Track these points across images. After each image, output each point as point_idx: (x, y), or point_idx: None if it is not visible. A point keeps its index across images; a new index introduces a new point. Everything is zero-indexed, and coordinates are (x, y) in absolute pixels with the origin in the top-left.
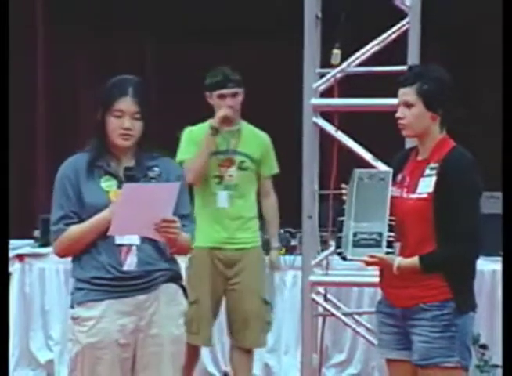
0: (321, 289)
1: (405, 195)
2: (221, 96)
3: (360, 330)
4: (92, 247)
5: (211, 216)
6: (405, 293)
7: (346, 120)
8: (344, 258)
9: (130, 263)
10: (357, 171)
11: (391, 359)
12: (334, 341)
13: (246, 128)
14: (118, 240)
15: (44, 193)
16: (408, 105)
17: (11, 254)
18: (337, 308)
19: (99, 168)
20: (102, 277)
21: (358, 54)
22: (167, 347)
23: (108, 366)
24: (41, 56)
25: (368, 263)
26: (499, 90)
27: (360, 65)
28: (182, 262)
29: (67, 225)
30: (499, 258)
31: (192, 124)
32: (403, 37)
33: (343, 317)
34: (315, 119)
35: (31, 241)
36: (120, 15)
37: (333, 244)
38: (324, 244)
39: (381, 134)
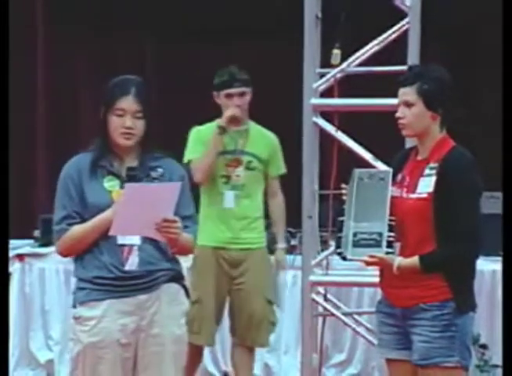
0: (321, 289)
1: (404, 195)
2: (229, 96)
3: (360, 330)
4: (95, 246)
5: (217, 216)
6: (405, 293)
7: (346, 120)
8: (344, 258)
9: (132, 263)
10: (357, 171)
11: (391, 359)
12: (334, 341)
13: (254, 128)
14: (120, 240)
15: (44, 193)
16: (408, 105)
17: (11, 254)
18: (337, 308)
19: (102, 167)
20: (104, 277)
21: (358, 54)
22: (168, 347)
23: (109, 365)
24: (41, 56)
25: (368, 263)
26: (499, 90)
27: (360, 65)
28: (187, 261)
29: (70, 224)
30: (499, 258)
31: (192, 123)
32: (403, 37)
33: (343, 317)
34: (315, 119)
35: (31, 241)
36: (120, 15)
37: (333, 244)
38: (324, 244)
39: (381, 134)
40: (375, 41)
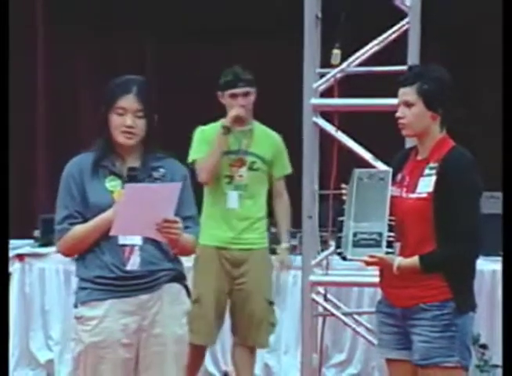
0: (321, 289)
1: (404, 195)
2: (233, 96)
3: (360, 330)
4: (96, 246)
5: (220, 216)
6: (405, 293)
7: (346, 120)
8: (344, 258)
9: (133, 263)
10: (357, 171)
11: (391, 359)
12: (334, 341)
13: (259, 128)
14: (121, 241)
15: (44, 193)
16: (408, 104)
17: (11, 254)
18: (337, 308)
19: (104, 167)
20: (106, 276)
21: (358, 54)
22: (170, 347)
23: (111, 365)
24: (41, 55)
25: (368, 263)
26: (499, 90)
27: (360, 65)
28: (189, 261)
29: (72, 224)
30: (499, 258)
31: (192, 124)
32: (403, 37)
33: (343, 317)
34: (315, 119)
35: (31, 241)
36: (120, 15)
37: (333, 244)
38: (324, 244)
39: (381, 134)
40: (375, 41)
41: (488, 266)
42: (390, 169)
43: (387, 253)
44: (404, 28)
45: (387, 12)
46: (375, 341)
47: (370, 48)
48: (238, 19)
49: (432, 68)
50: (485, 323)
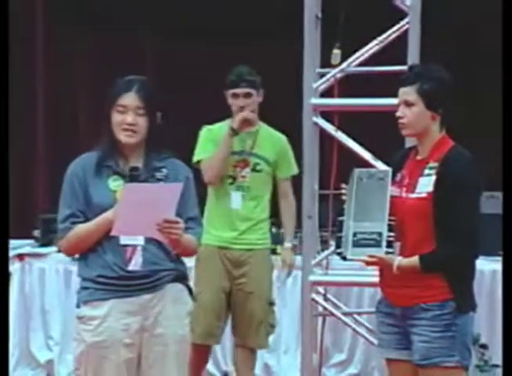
0: (321, 289)
1: (404, 194)
2: (234, 95)
3: (360, 330)
4: (98, 246)
5: (223, 216)
6: (405, 293)
7: (346, 120)
8: (344, 258)
9: (135, 263)
10: (356, 171)
11: (391, 359)
12: (334, 341)
13: (264, 129)
14: (123, 241)
15: (44, 193)
16: (408, 104)
17: (11, 254)
18: (337, 308)
19: (107, 167)
20: (108, 276)
21: (358, 54)
22: (171, 347)
23: (113, 365)
24: (41, 56)
25: (368, 263)
26: (499, 90)
27: (360, 65)
28: (191, 261)
29: (74, 223)
30: (499, 258)
31: (192, 123)
32: (403, 37)
33: (343, 317)
34: (315, 119)
35: (31, 241)
36: (120, 15)
37: (333, 244)
38: (324, 243)
39: (381, 134)
40: (375, 41)
41: (488, 266)
42: (389, 169)
43: (387, 253)
44: (404, 28)
45: (387, 12)
46: (375, 341)
47: (370, 48)
48: (238, 19)
49: (432, 68)
50: (485, 323)
